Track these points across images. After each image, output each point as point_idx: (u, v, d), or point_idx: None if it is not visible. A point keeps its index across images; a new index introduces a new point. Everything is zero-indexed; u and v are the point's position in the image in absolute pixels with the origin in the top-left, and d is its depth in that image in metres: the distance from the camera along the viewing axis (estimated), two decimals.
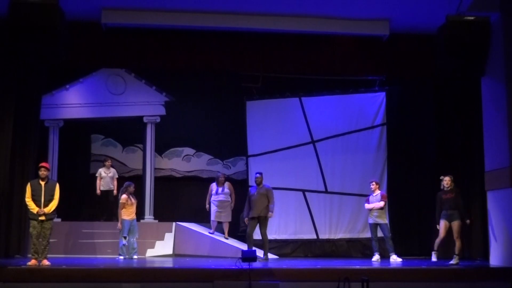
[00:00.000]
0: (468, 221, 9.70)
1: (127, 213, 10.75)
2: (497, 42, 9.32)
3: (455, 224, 9.56)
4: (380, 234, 10.53)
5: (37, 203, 8.86)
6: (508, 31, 9.18)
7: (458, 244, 9.54)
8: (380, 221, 10.43)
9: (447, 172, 9.97)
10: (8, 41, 8.98)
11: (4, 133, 10.45)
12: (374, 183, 10.63)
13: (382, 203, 10.43)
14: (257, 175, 10.70)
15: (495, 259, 9.55)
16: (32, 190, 8.90)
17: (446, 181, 9.70)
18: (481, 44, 9.16)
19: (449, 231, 9.67)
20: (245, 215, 10.65)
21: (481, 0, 9.22)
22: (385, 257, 10.62)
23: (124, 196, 10.85)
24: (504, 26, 9.23)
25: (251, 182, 12.04)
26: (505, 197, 9.23)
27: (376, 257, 10.40)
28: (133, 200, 10.88)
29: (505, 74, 9.19)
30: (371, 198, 10.57)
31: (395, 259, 10.29)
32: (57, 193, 9.04)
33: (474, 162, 10.98)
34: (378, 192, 10.56)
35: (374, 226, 10.49)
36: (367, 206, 10.57)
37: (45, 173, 9.02)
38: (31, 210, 8.87)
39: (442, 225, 9.64)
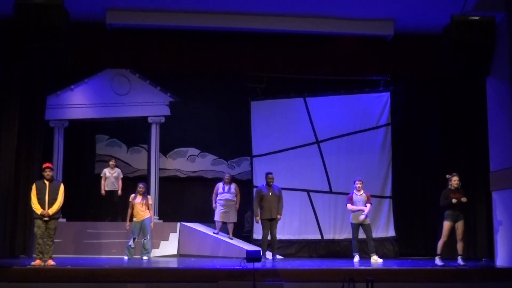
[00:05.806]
0: None
1: (135, 213, 10.76)
2: (502, 42, 9.30)
3: (460, 225, 9.31)
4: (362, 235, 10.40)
5: (41, 202, 8.88)
6: None
7: (462, 244, 9.35)
8: (365, 221, 10.33)
9: (452, 171, 9.69)
10: (13, 42, 9.03)
11: (9, 134, 10.48)
12: (360, 181, 10.47)
13: (369, 206, 10.36)
14: (270, 175, 10.58)
15: (501, 260, 9.52)
16: (37, 189, 8.93)
17: (455, 180, 9.37)
18: (486, 44, 9.13)
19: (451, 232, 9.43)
20: (256, 214, 10.42)
21: (486, 0, 9.20)
22: (364, 257, 10.53)
23: (132, 195, 10.89)
24: (509, 26, 9.20)
25: (256, 182, 12.03)
26: (510, 197, 9.21)
27: (357, 258, 10.29)
28: (140, 200, 10.83)
29: (510, 74, 9.17)
30: (354, 197, 10.39)
31: (376, 260, 10.15)
32: (61, 194, 9.05)
33: (479, 162, 10.93)
34: (362, 191, 10.44)
35: (357, 227, 10.35)
36: (351, 207, 10.34)
37: (50, 173, 9.05)
38: (35, 210, 8.89)
39: (447, 227, 9.31)
